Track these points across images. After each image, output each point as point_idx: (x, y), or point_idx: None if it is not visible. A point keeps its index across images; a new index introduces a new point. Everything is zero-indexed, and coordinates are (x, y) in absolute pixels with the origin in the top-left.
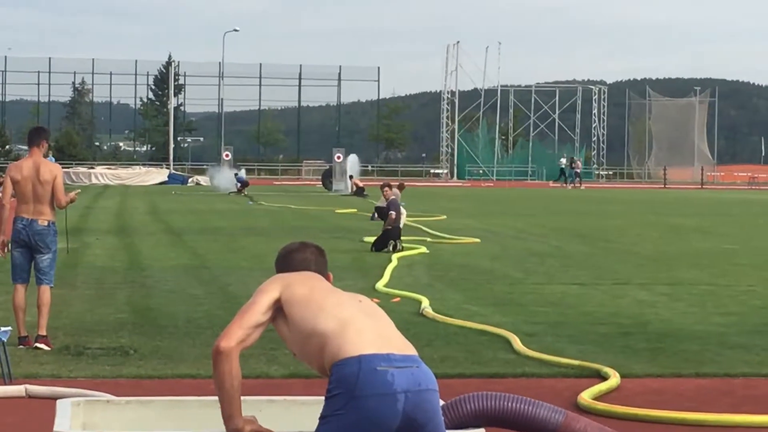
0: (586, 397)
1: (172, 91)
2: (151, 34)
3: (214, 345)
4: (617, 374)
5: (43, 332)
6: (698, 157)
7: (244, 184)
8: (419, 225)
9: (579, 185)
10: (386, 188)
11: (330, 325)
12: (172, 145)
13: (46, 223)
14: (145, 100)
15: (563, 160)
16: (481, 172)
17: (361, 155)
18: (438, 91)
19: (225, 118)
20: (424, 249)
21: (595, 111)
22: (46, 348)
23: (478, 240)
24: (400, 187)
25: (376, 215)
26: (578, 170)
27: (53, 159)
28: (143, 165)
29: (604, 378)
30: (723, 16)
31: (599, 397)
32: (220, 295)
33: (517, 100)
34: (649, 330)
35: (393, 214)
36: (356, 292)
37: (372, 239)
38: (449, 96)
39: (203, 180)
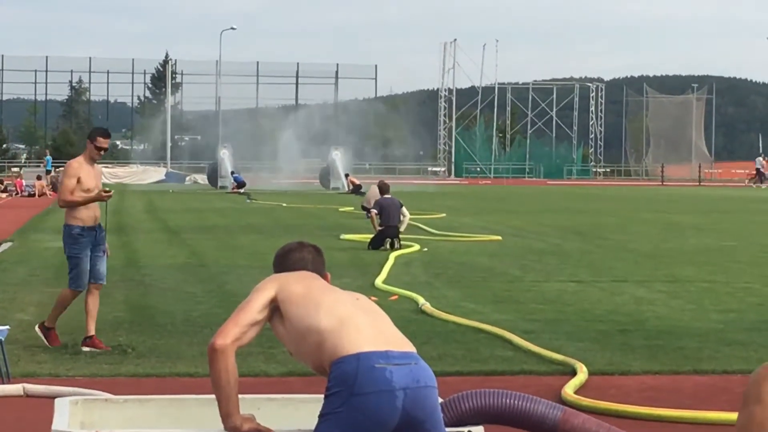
0: (569, 391)
1: (169, 90)
2: (148, 33)
3: (209, 343)
4: (584, 368)
5: (45, 323)
6: (696, 155)
7: (240, 183)
8: (422, 225)
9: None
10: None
11: (327, 322)
12: (169, 144)
13: (63, 225)
14: (142, 98)
15: (760, 159)
16: (478, 169)
17: (358, 153)
18: (435, 88)
19: (222, 116)
20: (417, 247)
21: (592, 108)
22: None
23: (499, 237)
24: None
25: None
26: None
27: (49, 159)
28: (141, 163)
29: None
30: (720, 12)
31: (580, 392)
32: (218, 294)
33: (515, 97)
34: (647, 327)
35: (374, 211)
36: (355, 290)
37: (351, 236)
38: (446, 94)
39: (200, 178)
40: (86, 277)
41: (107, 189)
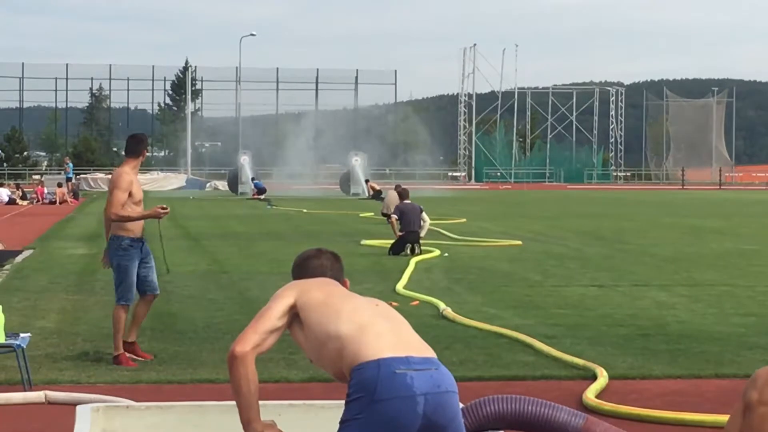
0: (590, 396)
1: (189, 96)
2: (168, 40)
3: (229, 350)
4: (605, 372)
5: (114, 351)
6: (716, 158)
7: (261, 190)
8: (442, 230)
9: None
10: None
11: (347, 329)
12: (189, 150)
13: (110, 236)
14: (162, 105)
15: None
16: (498, 174)
17: (378, 159)
18: (455, 93)
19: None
20: (438, 252)
21: (612, 112)
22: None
23: (520, 242)
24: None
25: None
26: None
27: (71, 165)
28: (161, 170)
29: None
30: (740, 16)
31: (601, 396)
32: (239, 300)
33: (535, 102)
34: (668, 331)
35: (394, 217)
36: (375, 296)
37: (372, 242)
38: (466, 99)
39: (221, 185)
40: (134, 290)
41: (164, 206)
